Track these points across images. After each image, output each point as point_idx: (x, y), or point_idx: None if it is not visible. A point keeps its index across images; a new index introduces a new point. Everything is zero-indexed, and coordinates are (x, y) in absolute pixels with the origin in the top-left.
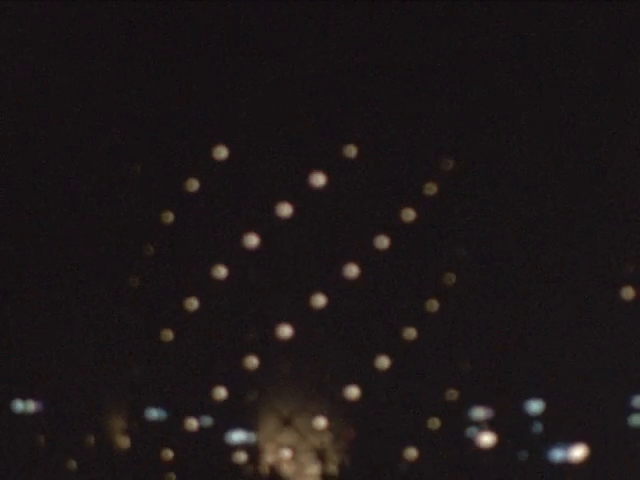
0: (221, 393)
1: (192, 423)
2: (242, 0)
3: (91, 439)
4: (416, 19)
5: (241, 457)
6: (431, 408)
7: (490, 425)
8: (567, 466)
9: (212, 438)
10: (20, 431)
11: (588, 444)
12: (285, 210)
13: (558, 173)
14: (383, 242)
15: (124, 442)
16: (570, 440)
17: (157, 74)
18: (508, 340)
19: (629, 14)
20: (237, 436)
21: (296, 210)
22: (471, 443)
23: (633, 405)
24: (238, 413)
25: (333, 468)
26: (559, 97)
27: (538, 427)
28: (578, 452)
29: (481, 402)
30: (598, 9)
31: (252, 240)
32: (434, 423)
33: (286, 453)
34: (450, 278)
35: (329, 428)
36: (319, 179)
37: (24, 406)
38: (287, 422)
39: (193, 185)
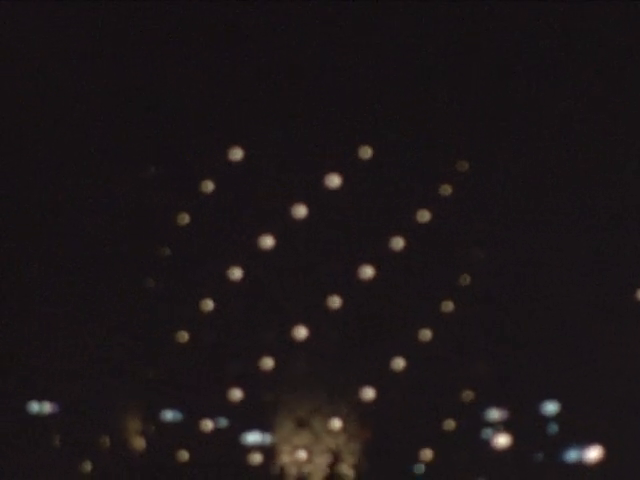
0: (236, 394)
1: (207, 424)
2: (259, 4)
3: (106, 440)
4: (433, 21)
5: (256, 458)
6: (447, 409)
7: (506, 426)
8: (582, 467)
9: (227, 439)
10: (36, 432)
11: (603, 445)
12: (300, 211)
13: (574, 174)
14: (398, 243)
15: (139, 443)
16: (585, 441)
17: (173, 76)
18: (523, 341)
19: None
20: (252, 437)
21: (311, 211)
22: (487, 444)
23: None
24: (253, 414)
25: (348, 469)
26: (574, 100)
27: (553, 428)
28: (593, 453)
29: (497, 403)
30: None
31: (267, 241)
32: (450, 424)
33: (301, 454)
34: (465, 279)
35: (344, 429)
36: (334, 180)
37: (40, 407)
38: (302, 423)
39: (209, 187)
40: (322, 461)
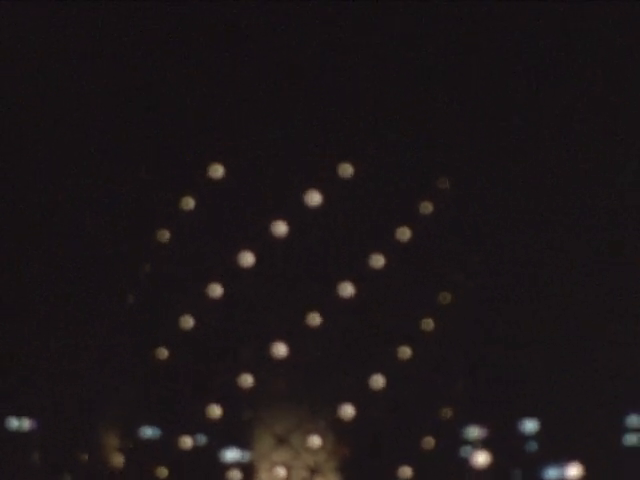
0: (216, 411)
1: (186, 441)
2: (240, 17)
3: (85, 457)
4: (415, 37)
5: (236, 475)
6: (426, 427)
7: (485, 444)
8: None
9: (206, 456)
10: (15, 449)
11: (583, 463)
12: (280, 228)
13: (558, 194)
14: (378, 261)
15: (118, 460)
16: (565, 459)
17: (152, 92)
18: (503, 359)
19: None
20: (231, 454)
21: (291, 228)
22: (466, 462)
23: (628, 424)
24: (233, 431)
25: None
26: (560, 118)
27: (533, 446)
28: (573, 471)
29: (476, 421)
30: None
31: (247, 258)
32: (429, 442)
33: (281, 471)
34: (445, 297)
35: (324, 447)
36: (314, 197)
37: (19, 424)
38: (282, 440)
39: (189, 203)
40: (301, 478)
